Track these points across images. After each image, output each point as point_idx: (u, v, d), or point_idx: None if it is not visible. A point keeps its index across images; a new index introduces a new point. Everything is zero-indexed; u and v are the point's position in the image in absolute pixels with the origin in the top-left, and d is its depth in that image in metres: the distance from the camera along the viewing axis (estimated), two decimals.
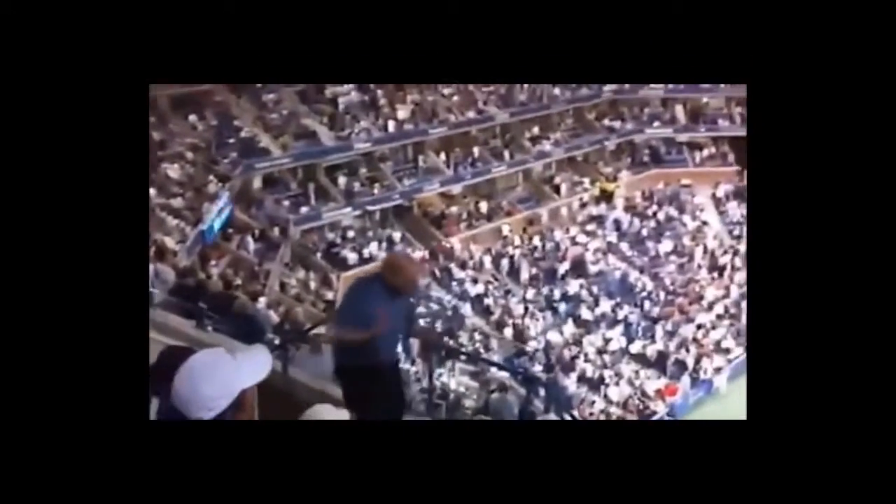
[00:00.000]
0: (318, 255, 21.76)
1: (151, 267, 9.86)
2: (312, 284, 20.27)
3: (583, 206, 27.57)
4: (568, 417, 12.87)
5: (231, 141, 21.61)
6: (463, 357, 19.00)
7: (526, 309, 22.65)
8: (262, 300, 13.02)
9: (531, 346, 21.09)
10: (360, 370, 4.53)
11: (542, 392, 18.03)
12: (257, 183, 21.90)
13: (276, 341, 10.61)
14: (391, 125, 24.16)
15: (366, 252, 22.27)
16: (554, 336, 21.73)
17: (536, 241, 25.66)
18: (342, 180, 23.25)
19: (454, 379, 17.65)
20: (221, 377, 2.29)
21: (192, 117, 21.72)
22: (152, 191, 18.59)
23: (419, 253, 23.20)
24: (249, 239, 19.73)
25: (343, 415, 4.15)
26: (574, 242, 25.89)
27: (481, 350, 20.00)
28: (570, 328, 22.37)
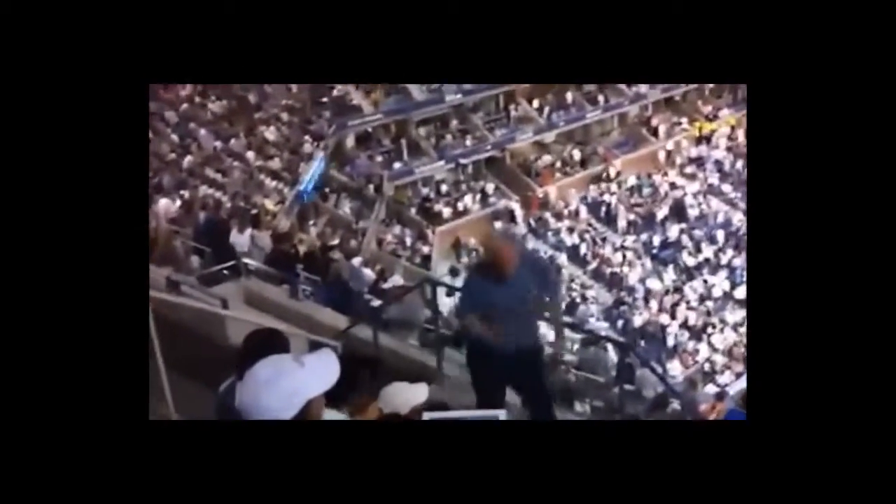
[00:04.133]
0: (413, 210, 21.92)
1: (248, 232, 10.12)
2: (408, 240, 20.46)
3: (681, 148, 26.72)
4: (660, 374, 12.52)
5: (324, 100, 21.84)
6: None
7: (624, 257, 22.26)
8: (357, 259, 13.22)
9: (630, 294, 20.77)
10: (487, 355, 4.43)
11: (640, 345, 17.82)
12: (350, 141, 22.13)
13: (374, 303, 10.82)
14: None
15: (460, 205, 22.28)
16: (654, 283, 21.31)
17: (634, 186, 25.08)
18: (434, 134, 23.23)
19: (551, 331, 17.63)
20: (286, 388, 2.25)
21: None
22: (250, 154, 19.11)
23: (512, 203, 23.05)
24: (346, 197, 20.04)
25: (420, 394, 4.11)
26: (673, 186, 25.18)
27: (578, 300, 19.82)
28: (670, 275, 21.89)
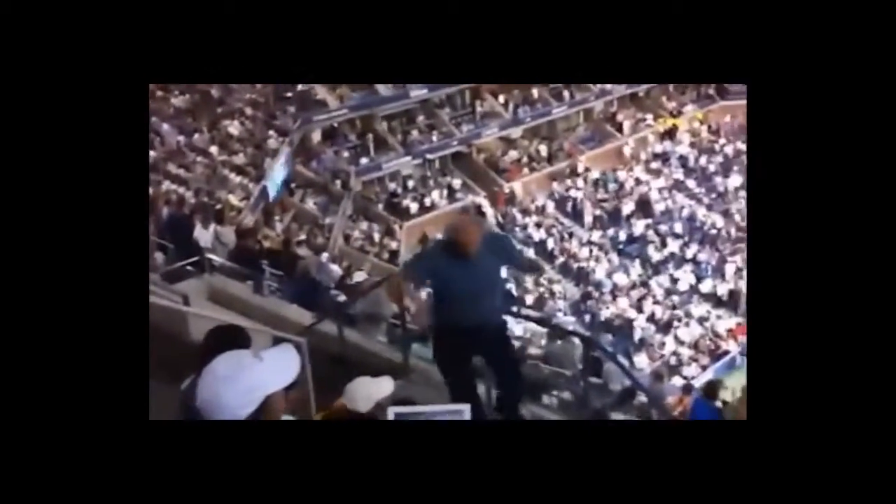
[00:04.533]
0: (380, 205, 21.83)
1: (212, 228, 9.98)
2: (376, 235, 20.38)
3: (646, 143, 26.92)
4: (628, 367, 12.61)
5: (289, 95, 21.64)
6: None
7: (591, 252, 22.39)
8: (324, 255, 13.12)
9: (597, 289, 20.89)
10: (453, 345, 4.41)
11: (608, 339, 17.93)
12: (316, 136, 21.97)
13: (340, 298, 10.73)
14: None
15: (427, 200, 22.24)
16: (621, 278, 21.47)
17: (599, 181, 25.22)
18: (400, 129, 23.15)
19: (520, 325, 17.68)
20: (245, 383, 2.21)
21: None
22: (214, 148, 18.87)
23: (480, 199, 23.07)
24: (312, 193, 19.88)
25: (384, 388, 4.06)
26: (638, 182, 25.37)
27: (546, 295, 19.89)
28: (636, 269, 22.06)
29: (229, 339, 3.27)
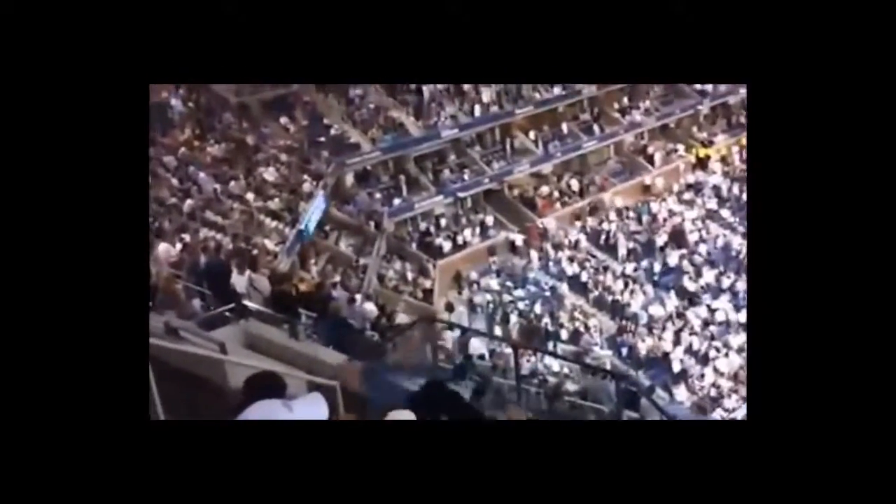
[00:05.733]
0: (413, 244, 22.00)
1: (247, 274, 10.16)
2: (410, 275, 20.52)
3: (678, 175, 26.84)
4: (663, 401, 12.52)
5: (322, 139, 22.03)
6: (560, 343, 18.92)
7: (625, 284, 22.29)
8: (359, 296, 13.29)
9: (633, 322, 20.75)
10: None
11: (644, 373, 17.73)
12: (350, 178, 22.28)
13: (375, 338, 10.83)
14: (477, 109, 24.11)
15: (459, 238, 22.37)
16: (657, 310, 21.32)
17: (632, 214, 25.16)
18: (431, 169, 23.40)
19: (557, 361, 17.58)
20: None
21: (284, 119, 22.28)
22: (250, 195, 19.23)
23: (512, 235, 23.09)
24: (346, 234, 20.14)
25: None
26: (671, 213, 25.27)
27: (581, 329, 19.80)
28: (673, 301, 21.89)
29: (265, 385, 3.38)
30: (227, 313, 8.28)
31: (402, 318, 14.32)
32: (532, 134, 25.27)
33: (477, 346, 13.90)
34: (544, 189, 24.91)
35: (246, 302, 8.68)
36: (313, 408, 2.46)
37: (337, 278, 17.80)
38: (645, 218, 25.01)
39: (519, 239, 23.19)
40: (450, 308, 15.72)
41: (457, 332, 14.45)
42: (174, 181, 18.28)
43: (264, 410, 2.43)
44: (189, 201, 17.77)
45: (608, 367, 17.04)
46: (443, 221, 22.98)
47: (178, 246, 13.71)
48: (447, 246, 22.04)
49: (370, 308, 13.54)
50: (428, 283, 20.23)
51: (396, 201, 22.32)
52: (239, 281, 10.51)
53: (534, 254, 22.88)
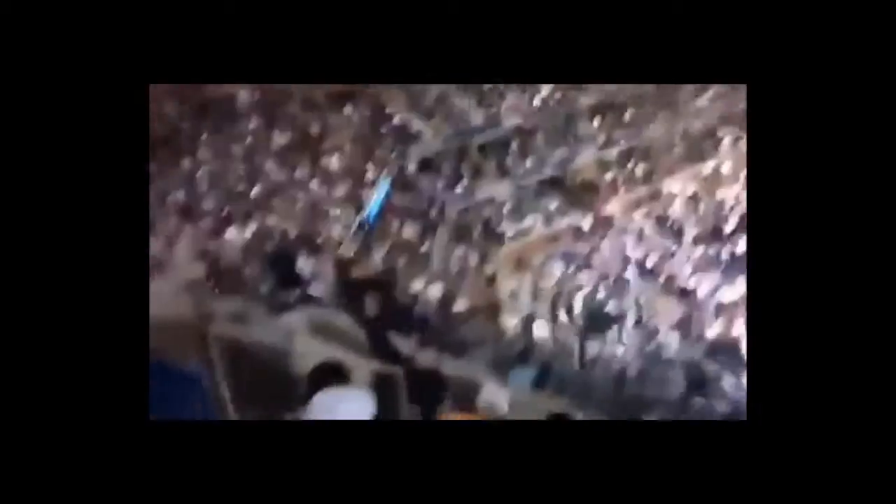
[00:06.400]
0: (476, 231, 21.96)
1: (312, 261, 10.36)
2: (472, 261, 20.50)
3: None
4: None
5: (385, 129, 22.15)
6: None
7: (693, 270, 21.85)
8: (422, 283, 13.35)
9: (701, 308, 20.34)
10: None
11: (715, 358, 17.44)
12: (412, 166, 22.35)
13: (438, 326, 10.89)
14: (538, 97, 23.89)
15: (522, 225, 22.24)
16: (724, 295, 20.84)
17: (698, 199, 24.62)
18: (494, 156, 23.30)
19: (621, 347, 17.41)
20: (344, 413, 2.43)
21: (348, 109, 22.47)
22: (314, 183, 19.49)
23: (576, 221, 22.86)
24: (409, 222, 20.25)
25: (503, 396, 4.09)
26: (738, 200, 24.63)
27: (643, 316, 19.53)
28: (741, 287, 21.36)
29: (330, 374, 3.45)
30: (292, 300, 8.44)
31: (464, 305, 14.37)
32: (596, 120, 24.91)
33: (540, 330, 13.88)
34: (608, 175, 24.54)
35: (311, 290, 8.84)
36: (363, 400, 2.53)
37: (401, 265, 17.95)
38: (712, 204, 24.44)
39: (583, 225, 22.92)
40: (513, 295, 15.69)
41: (519, 318, 14.46)
42: (241, 169, 18.64)
43: (327, 401, 2.51)
44: (256, 189, 18.13)
45: (674, 353, 16.82)
46: (505, 208, 22.85)
47: (247, 231, 14.03)
48: (510, 232, 21.90)
49: (434, 294, 13.63)
50: (490, 270, 20.20)
51: (459, 189, 22.29)
52: (305, 266, 10.72)
53: (597, 240, 22.59)
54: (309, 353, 4.78)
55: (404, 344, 7.33)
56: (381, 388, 5.04)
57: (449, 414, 4.00)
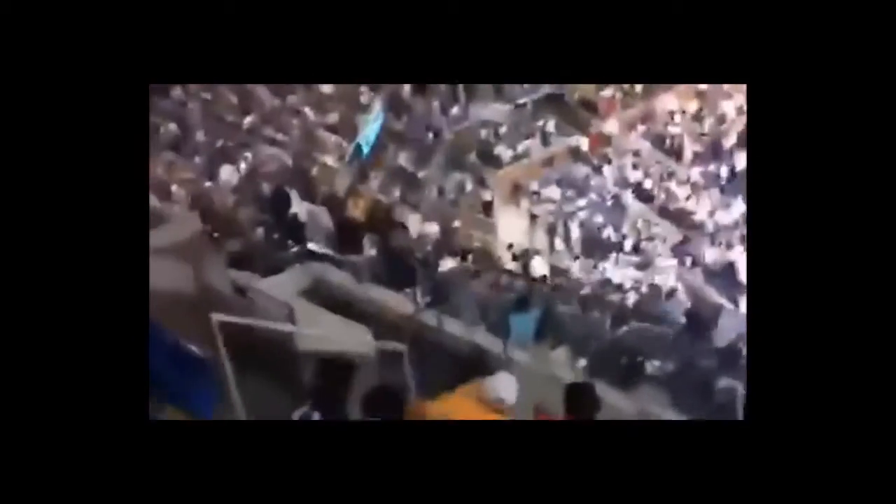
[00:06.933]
0: (472, 155, 21.71)
1: (305, 207, 10.19)
2: (469, 186, 20.34)
3: None
4: None
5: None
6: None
7: (691, 190, 21.75)
8: (416, 218, 13.27)
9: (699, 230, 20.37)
10: None
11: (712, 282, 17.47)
12: (407, 88, 21.88)
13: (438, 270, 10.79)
14: None
15: (520, 147, 21.98)
16: (723, 217, 20.83)
17: (697, 115, 24.29)
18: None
19: (619, 271, 17.46)
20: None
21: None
22: (307, 109, 19.07)
23: (576, 140, 22.58)
24: (404, 147, 19.98)
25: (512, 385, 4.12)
26: (740, 111, 24.30)
27: (645, 239, 19.54)
28: (739, 207, 21.31)
29: (383, 403, 3.46)
30: (291, 254, 8.35)
31: (462, 242, 14.30)
32: None
33: (538, 266, 13.86)
34: (607, 91, 24.12)
35: (310, 245, 8.73)
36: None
37: (396, 194, 17.79)
38: (710, 120, 24.14)
39: (581, 145, 22.66)
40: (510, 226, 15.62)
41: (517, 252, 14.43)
42: (233, 98, 18.25)
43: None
44: (248, 118, 17.77)
45: (673, 279, 16.88)
46: (502, 130, 22.53)
47: (242, 166, 13.81)
48: (507, 155, 21.67)
49: (433, 230, 13.55)
50: (488, 195, 20.06)
51: (455, 110, 21.92)
52: (300, 208, 10.57)
53: (596, 161, 22.40)
54: (313, 338, 4.71)
55: (408, 306, 7.23)
56: (388, 365, 5.02)
57: (454, 394, 3.97)
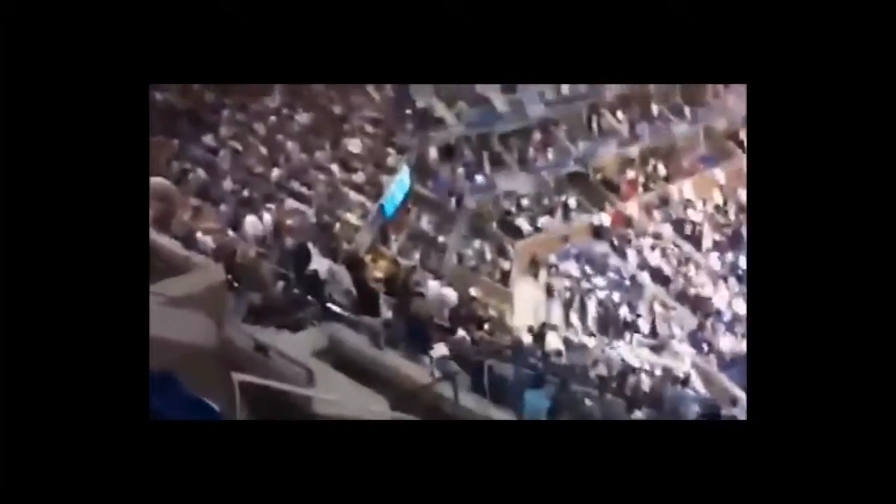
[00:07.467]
0: (494, 224, 21.82)
1: (327, 264, 10.20)
2: (488, 255, 20.39)
3: None
4: None
5: (408, 112, 21.93)
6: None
7: (710, 277, 21.73)
8: (437, 283, 13.28)
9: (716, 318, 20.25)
10: None
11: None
12: (433, 153, 22.17)
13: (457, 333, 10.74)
14: (565, 87, 23.62)
15: (540, 221, 22.07)
16: (741, 306, 20.73)
17: (720, 203, 24.43)
18: (516, 147, 23.10)
19: (634, 352, 17.30)
20: None
21: (370, 88, 22.21)
22: (335, 166, 19.30)
23: (598, 217, 22.68)
24: (427, 211, 20.12)
25: None
26: None
27: (658, 323, 19.43)
28: None
29: None
30: (310, 314, 8.34)
31: (478, 308, 14.25)
32: (620, 114, 24.66)
33: (553, 340, 13.77)
34: (630, 173, 24.34)
35: (329, 304, 8.73)
36: None
37: (416, 257, 17.85)
38: (733, 208, 24.25)
39: (601, 223, 22.77)
40: (527, 297, 15.61)
41: (533, 325, 14.36)
42: (263, 150, 18.49)
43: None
44: (276, 170, 17.97)
45: (688, 365, 16.71)
46: (524, 202, 22.70)
47: (266, 217, 13.90)
48: (527, 228, 21.78)
49: (450, 295, 13.51)
50: (507, 265, 20.07)
51: (479, 179, 22.14)
52: (321, 264, 10.59)
53: (615, 240, 22.45)
54: (331, 402, 4.65)
55: (424, 375, 7.17)
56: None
57: None
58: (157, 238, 8.07)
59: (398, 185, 19.52)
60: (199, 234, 11.16)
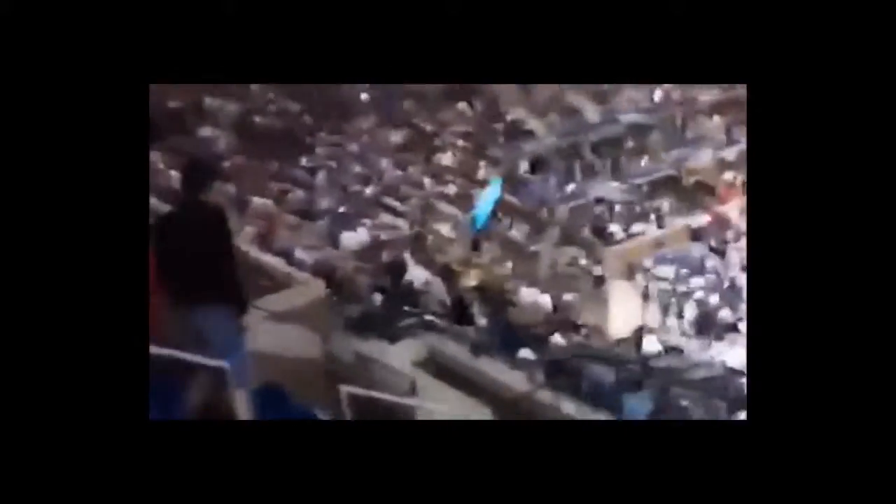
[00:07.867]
0: (586, 230, 21.69)
1: (421, 276, 10.49)
2: (582, 261, 20.29)
3: None
4: None
5: (498, 125, 22.14)
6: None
7: None
8: (529, 291, 13.38)
9: None
10: None
11: None
12: (524, 164, 22.27)
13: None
14: (657, 93, 23.34)
15: (634, 227, 21.82)
16: None
17: None
18: (608, 155, 22.95)
19: (734, 352, 16.85)
20: None
21: (461, 105, 22.55)
22: (427, 180, 19.69)
23: (694, 221, 22.25)
24: (519, 221, 20.23)
25: None
26: None
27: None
28: None
29: None
30: (409, 323, 8.62)
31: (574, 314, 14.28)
32: (716, 118, 24.15)
33: (651, 345, 13.65)
34: (727, 176, 23.76)
35: (427, 316, 8.99)
36: None
37: (509, 265, 17.97)
38: None
39: (698, 226, 22.28)
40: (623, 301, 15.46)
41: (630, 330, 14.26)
42: (357, 168, 19.03)
43: None
44: (371, 187, 18.47)
45: None
46: (617, 207, 22.47)
47: (362, 232, 14.35)
48: (621, 233, 21.54)
49: (545, 301, 13.61)
50: (599, 271, 19.91)
51: (571, 187, 22.08)
52: (417, 275, 10.90)
53: (713, 242, 21.93)
54: (435, 412, 4.83)
55: (523, 383, 7.30)
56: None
57: None
58: (260, 256, 8.46)
59: (489, 195, 19.72)
60: (298, 251, 11.66)
